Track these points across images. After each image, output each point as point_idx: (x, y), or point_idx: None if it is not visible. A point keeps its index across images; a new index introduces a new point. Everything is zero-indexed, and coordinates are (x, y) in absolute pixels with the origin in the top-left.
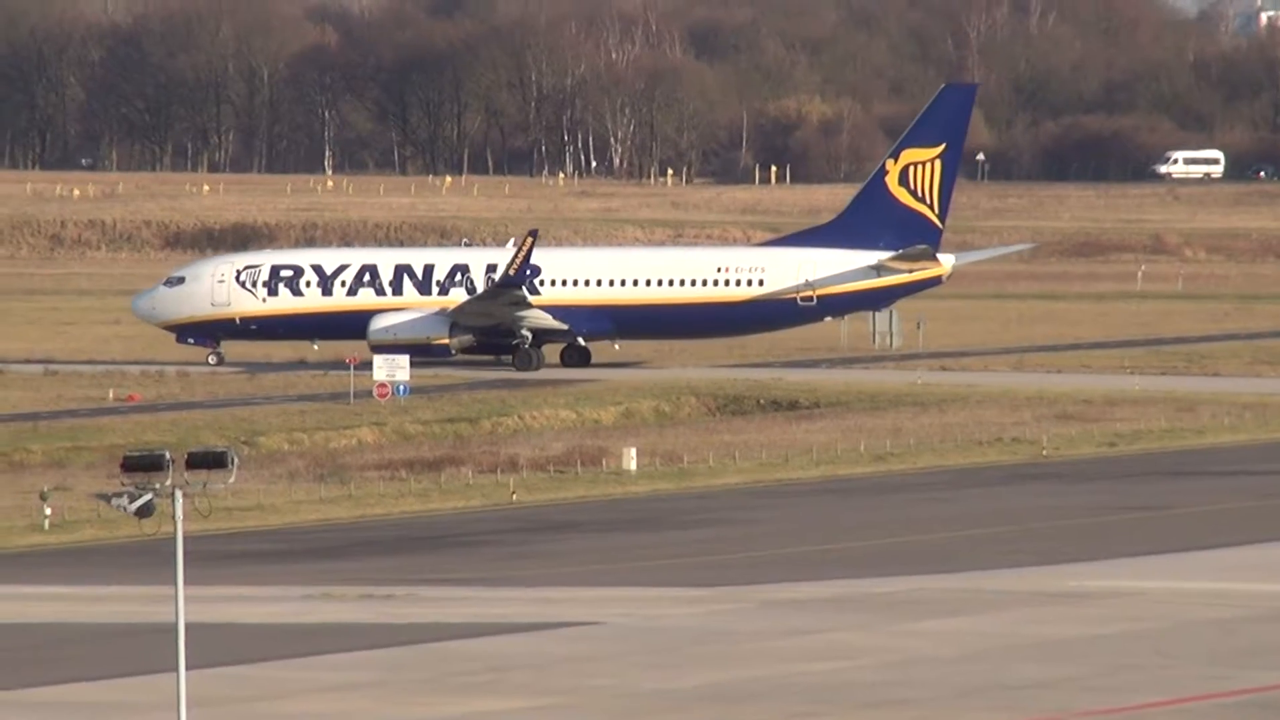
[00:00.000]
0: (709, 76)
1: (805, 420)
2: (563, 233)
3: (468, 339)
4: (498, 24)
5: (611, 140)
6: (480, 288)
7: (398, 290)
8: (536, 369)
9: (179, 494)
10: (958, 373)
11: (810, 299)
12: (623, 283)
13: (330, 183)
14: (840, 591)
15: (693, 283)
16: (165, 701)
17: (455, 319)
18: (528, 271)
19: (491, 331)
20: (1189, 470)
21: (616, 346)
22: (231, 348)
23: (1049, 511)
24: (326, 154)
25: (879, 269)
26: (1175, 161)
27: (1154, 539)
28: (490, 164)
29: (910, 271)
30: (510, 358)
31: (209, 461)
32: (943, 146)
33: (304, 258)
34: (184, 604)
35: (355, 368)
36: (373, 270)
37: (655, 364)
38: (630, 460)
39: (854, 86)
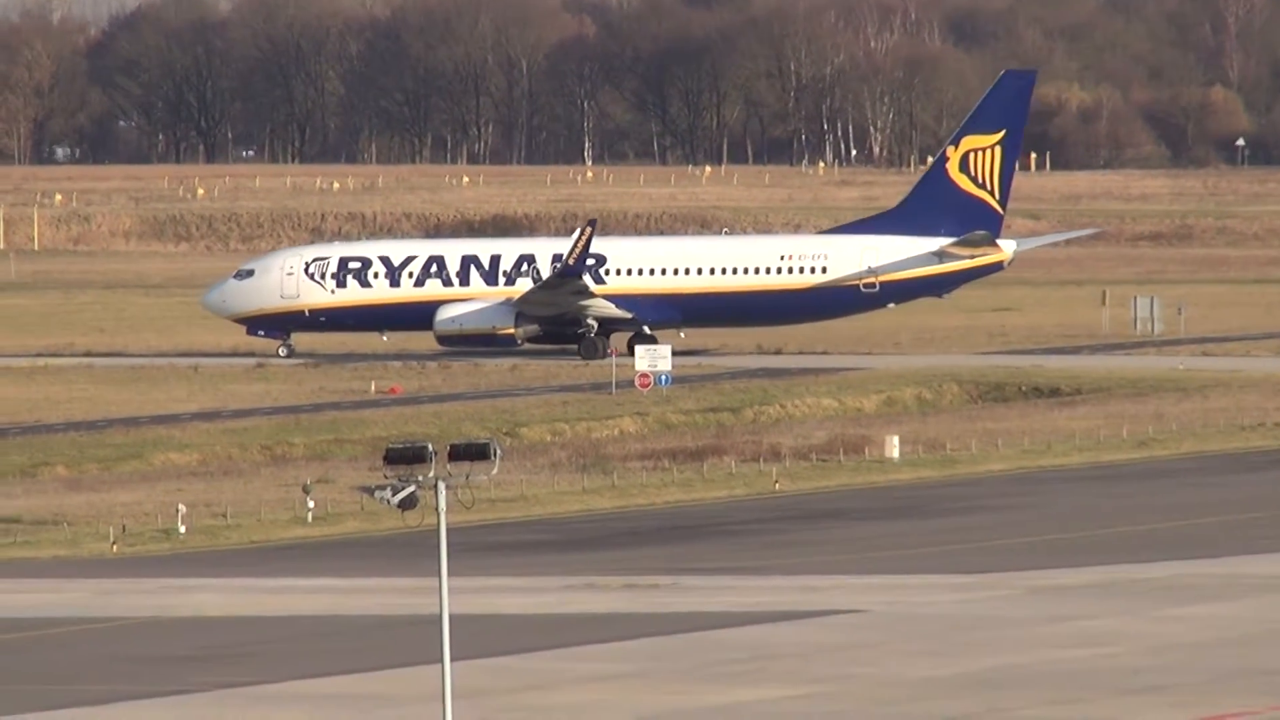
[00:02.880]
0: (967, 64)
1: (1067, 407)
2: (823, 221)
3: (533, 329)
4: (755, 14)
5: (871, 129)
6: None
7: (465, 281)
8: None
9: (442, 486)
10: (1220, 358)
11: (873, 285)
12: (687, 271)
13: (590, 174)
14: (1102, 578)
15: (757, 270)
16: (430, 693)
17: (520, 309)
18: (589, 260)
19: (556, 320)
20: None
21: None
22: (301, 339)
23: None
24: (586, 145)
25: (940, 255)
26: None
27: None
28: (750, 153)
29: (972, 257)
30: (576, 347)
31: (471, 453)
32: (1003, 133)
33: (371, 249)
34: (447, 595)
35: (617, 357)
36: (440, 261)
37: (914, 351)
38: (893, 448)
39: (1112, 73)
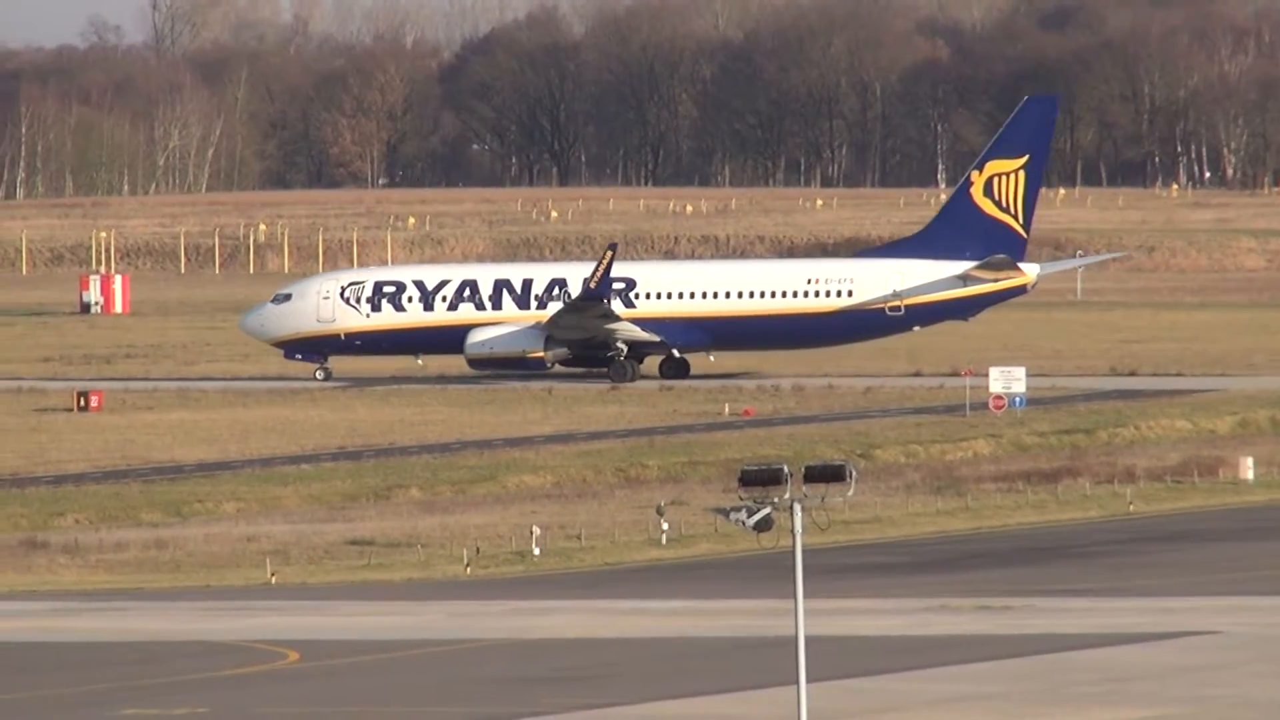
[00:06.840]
0: None
1: None
2: (1176, 243)
3: (563, 352)
4: (1109, 36)
5: (1225, 151)
6: None
7: (497, 305)
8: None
9: (797, 507)
10: None
11: (898, 309)
12: (715, 295)
13: (943, 195)
14: None
15: (784, 294)
16: (785, 715)
17: (549, 332)
18: (618, 285)
19: (585, 344)
20: None
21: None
22: (340, 363)
23: None
24: (939, 167)
25: (964, 279)
26: None
27: None
28: (1103, 175)
29: (995, 280)
30: (606, 370)
31: (827, 475)
32: (1026, 157)
33: (406, 274)
34: (803, 617)
35: (971, 379)
36: (473, 285)
37: (1269, 372)
38: (1248, 470)
39: None
